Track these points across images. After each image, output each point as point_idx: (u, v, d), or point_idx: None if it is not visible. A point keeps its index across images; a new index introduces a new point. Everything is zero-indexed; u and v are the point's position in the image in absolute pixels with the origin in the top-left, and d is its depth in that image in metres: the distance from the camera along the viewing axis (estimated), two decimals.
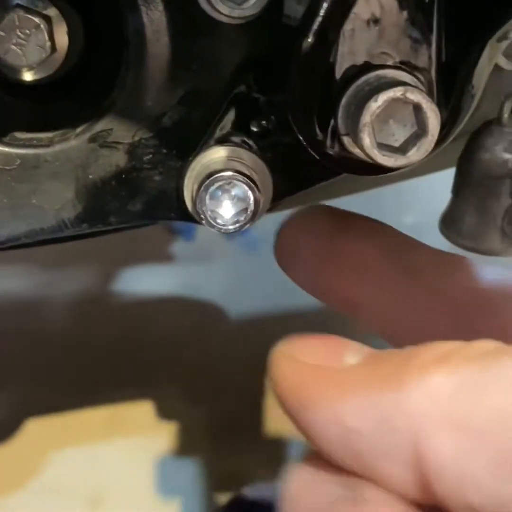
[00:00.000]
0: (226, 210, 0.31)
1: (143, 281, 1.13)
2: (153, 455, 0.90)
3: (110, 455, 0.92)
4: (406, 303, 0.29)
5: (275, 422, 0.94)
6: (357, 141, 0.25)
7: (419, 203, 1.21)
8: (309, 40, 0.24)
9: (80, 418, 0.95)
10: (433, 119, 0.25)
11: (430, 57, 0.26)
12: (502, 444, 0.18)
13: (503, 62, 0.33)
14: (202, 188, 0.31)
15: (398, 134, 0.26)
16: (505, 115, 0.35)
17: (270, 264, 1.25)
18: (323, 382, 0.22)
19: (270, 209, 0.39)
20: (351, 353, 0.22)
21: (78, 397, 0.96)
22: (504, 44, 0.25)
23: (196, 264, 1.16)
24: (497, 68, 0.33)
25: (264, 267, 1.19)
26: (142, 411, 0.95)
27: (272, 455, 0.90)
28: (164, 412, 0.95)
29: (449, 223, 0.39)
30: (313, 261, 0.31)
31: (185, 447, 0.90)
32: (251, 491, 0.62)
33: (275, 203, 0.35)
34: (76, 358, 1.02)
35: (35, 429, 0.94)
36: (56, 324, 1.07)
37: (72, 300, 1.10)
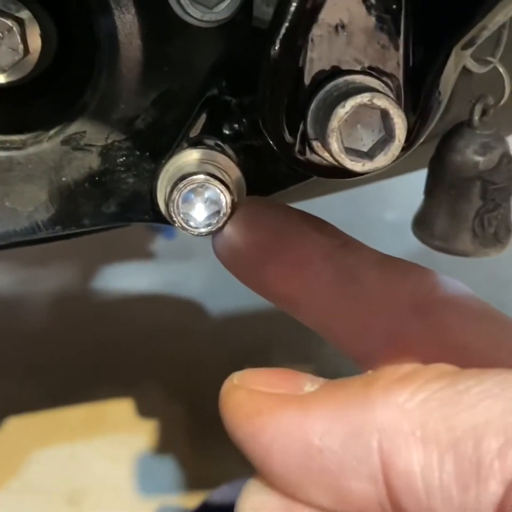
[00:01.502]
0: (198, 213, 0.32)
1: (124, 278, 1.13)
2: (133, 453, 0.90)
3: (90, 453, 0.92)
4: (342, 303, 0.29)
5: None
6: (325, 146, 0.26)
7: (399, 200, 1.22)
8: (276, 47, 0.25)
9: (59, 416, 0.95)
10: (400, 125, 0.25)
11: (398, 63, 0.27)
12: (468, 456, 0.19)
13: (472, 65, 0.33)
14: (175, 190, 0.31)
15: (366, 139, 0.26)
16: (476, 117, 0.36)
17: None
18: (283, 406, 0.21)
19: None
20: (309, 383, 0.22)
21: (58, 395, 0.96)
22: (469, 51, 0.25)
23: (177, 262, 1.16)
24: (467, 71, 0.33)
25: None
26: (122, 409, 0.95)
27: None
28: (144, 410, 0.95)
29: (421, 224, 0.39)
30: (253, 255, 0.31)
31: (165, 445, 0.90)
32: (219, 495, 0.62)
33: None
34: (55, 356, 1.02)
35: (15, 427, 0.93)
36: (36, 321, 1.07)
37: (52, 298, 1.10)
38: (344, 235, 0.31)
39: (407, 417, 0.20)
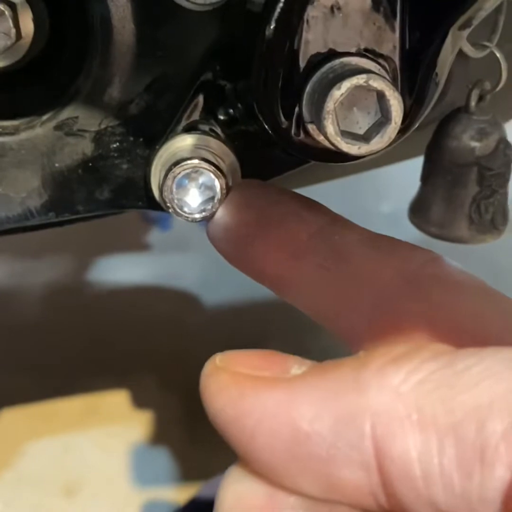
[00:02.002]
0: (192, 199, 0.31)
1: (119, 270, 1.13)
2: (128, 444, 0.90)
3: (85, 444, 0.92)
4: (329, 280, 0.28)
5: None
6: (321, 129, 0.25)
7: (395, 191, 1.21)
8: (272, 27, 0.24)
9: (54, 408, 0.95)
10: (396, 107, 0.25)
11: (394, 45, 0.26)
12: (470, 440, 0.18)
13: (470, 50, 0.33)
14: (169, 176, 0.31)
15: (362, 122, 0.26)
16: (472, 103, 0.36)
17: None
18: (269, 390, 0.20)
19: None
20: (295, 365, 0.21)
21: (52, 387, 0.96)
22: (466, 32, 0.25)
23: (172, 254, 1.15)
24: (464, 56, 0.33)
25: None
26: (116, 400, 0.95)
27: None
28: (139, 402, 0.95)
29: (417, 210, 0.39)
30: (242, 234, 0.30)
31: (160, 436, 0.90)
32: (210, 488, 0.61)
33: None
34: (50, 348, 1.01)
35: (9, 419, 0.93)
36: (31, 314, 1.07)
37: (46, 290, 1.09)
38: (332, 213, 0.30)
39: (402, 400, 0.19)
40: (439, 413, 0.18)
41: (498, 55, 0.34)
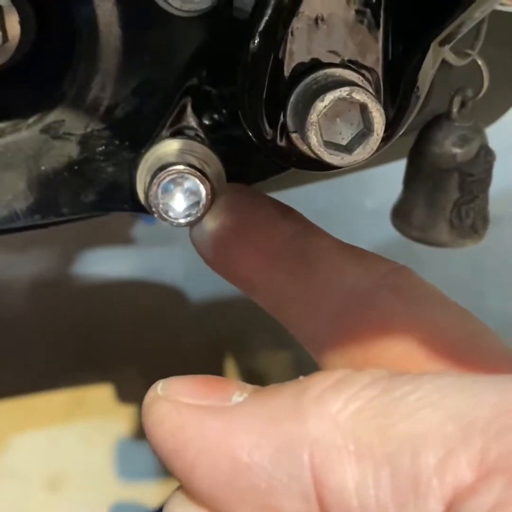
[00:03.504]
0: (178, 203, 0.32)
1: (104, 264, 1.13)
2: (113, 438, 0.91)
3: (70, 438, 0.92)
4: (295, 286, 0.28)
5: None
6: (304, 139, 0.26)
7: (380, 189, 1.22)
8: (256, 41, 0.25)
9: (39, 401, 0.95)
10: (378, 119, 0.25)
11: (377, 57, 0.27)
12: (405, 471, 0.17)
13: (452, 58, 0.33)
14: (154, 181, 0.31)
15: (345, 132, 0.26)
16: (454, 110, 0.36)
17: None
18: (208, 420, 0.20)
19: None
20: (237, 392, 0.21)
21: (37, 380, 0.96)
22: (447, 48, 0.25)
23: (157, 247, 1.16)
24: (446, 64, 0.34)
25: None
26: (102, 394, 0.95)
27: None
28: (124, 395, 0.95)
29: (399, 214, 0.39)
30: (220, 238, 0.31)
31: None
32: None
33: None
34: (35, 341, 1.01)
35: None
36: (15, 307, 1.06)
37: (31, 283, 1.09)
38: (307, 222, 0.30)
39: (340, 429, 0.19)
40: (375, 443, 0.18)
41: (480, 63, 0.34)
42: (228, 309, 1.06)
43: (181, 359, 1.00)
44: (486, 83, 0.35)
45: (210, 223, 0.31)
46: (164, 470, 0.72)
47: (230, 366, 0.98)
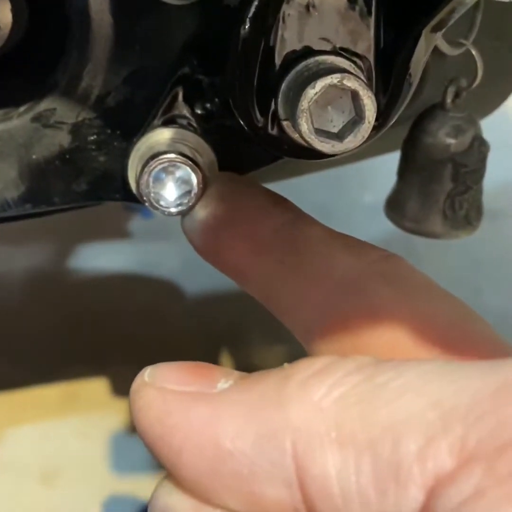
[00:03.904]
0: (169, 192, 0.31)
1: (100, 258, 1.13)
2: (107, 432, 0.90)
3: (64, 431, 0.92)
4: (285, 275, 0.28)
5: None
6: (295, 127, 0.26)
7: (378, 183, 1.22)
8: (246, 26, 0.25)
9: (33, 395, 0.95)
10: (370, 106, 0.25)
11: (369, 44, 0.26)
12: (386, 458, 0.17)
13: (445, 48, 0.33)
14: (146, 169, 0.31)
15: (336, 120, 0.26)
16: (448, 100, 0.36)
17: None
18: (194, 406, 0.20)
19: None
20: (222, 379, 0.21)
21: (31, 374, 0.96)
22: (439, 34, 0.25)
23: (154, 242, 1.15)
24: (440, 53, 0.34)
25: None
26: (96, 388, 0.95)
27: None
28: (119, 389, 0.95)
29: (393, 205, 0.39)
30: (211, 227, 0.30)
31: None
32: None
33: None
34: (30, 335, 1.01)
35: None
36: (11, 300, 1.06)
37: (26, 277, 1.09)
38: (297, 210, 0.30)
39: (322, 416, 0.18)
40: (357, 430, 0.18)
41: (474, 53, 0.34)
42: (223, 303, 1.06)
43: (176, 354, 0.99)
44: (480, 73, 0.35)
45: (201, 212, 0.31)
46: (158, 463, 0.72)
47: (226, 360, 0.98)
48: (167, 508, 0.21)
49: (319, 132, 0.26)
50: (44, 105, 0.32)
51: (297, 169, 0.51)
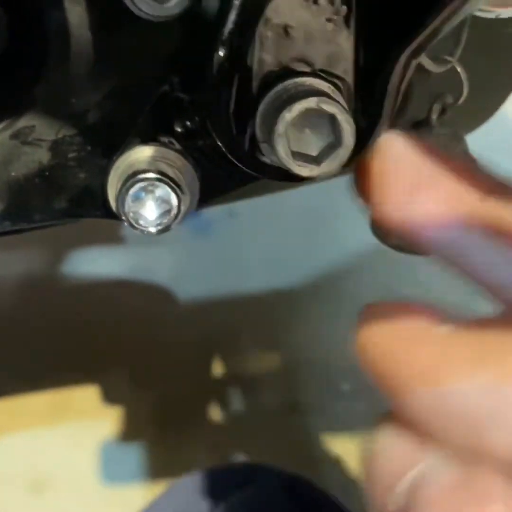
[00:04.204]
0: (149, 212, 0.31)
1: (93, 263, 1.12)
2: (98, 440, 0.90)
3: (54, 440, 0.91)
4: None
5: (221, 407, 0.94)
6: (273, 150, 0.25)
7: None
8: (221, 49, 0.24)
9: (24, 402, 0.94)
10: (348, 130, 0.25)
11: (348, 66, 0.26)
12: None
13: (430, 65, 0.33)
14: (125, 188, 0.30)
15: (315, 143, 0.25)
16: (434, 116, 0.35)
17: (220, 248, 1.26)
18: (418, 347, 0.20)
19: (200, 207, 0.39)
20: (447, 321, 0.20)
21: (21, 382, 0.95)
22: (418, 59, 0.24)
23: (146, 247, 1.15)
24: (425, 71, 0.33)
25: (214, 251, 1.19)
26: (87, 395, 0.95)
27: (218, 442, 0.90)
28: (110, 397, 0.94)
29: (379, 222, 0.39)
30: (405, 191, 0.25)
31: (130, 432, 0.90)
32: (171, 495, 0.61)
33: (203, 203, 0.35)
34: (21, 341, 1.01)
35: None
36: (3, 306, 1.06)
37: (20, 282, 1.09)
38: (500, 178, 0.25)
39: None
40: None
41: (459, 69, 0.34)
42: (216, 309, 1.06)
43: (169, 360, 0.99)
44: (465, 90, 0.34)
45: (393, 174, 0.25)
46: (149, 472, 0.71)
47: (218, 365, 0.98)
48: (386, 448, 0.21)
49: (297, 155, 0.25)
50: (23, 122, 0.32)
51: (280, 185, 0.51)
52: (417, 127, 0.35)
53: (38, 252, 1.12)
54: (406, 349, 0.20)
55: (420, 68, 0.33)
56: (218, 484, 0.58)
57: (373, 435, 0.21)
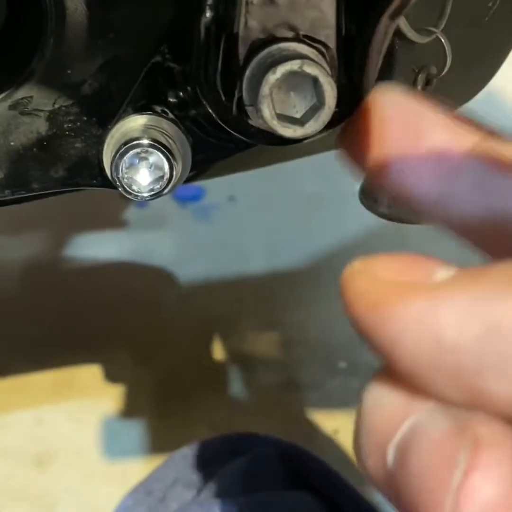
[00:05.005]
0: (142, 178, 0.32)
1: (95, 247, 1.14)
2: (100, 417, 0.92)
3: (57, 416, 0.93)
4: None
5: (221, 385, 0.95)
6: (258, 112, 0.26)
7: None
8: (207, 14, 0.25)
9: (28, 381, 0.96)
10: (329, 92, 0.26)
11: (331, 31, 0.27)
12: None
13: (414, 36, 0.34)
14: (118, 155, 0.32)
15: (299, 106, 0.27)
16: (419, 87, 0.37)
17: (220, 232, 1.27)
18: (412, 296, 0.18)
19: (193, 178, 0.40)
20: (440, 270, 0.19)
21: (26, 361, 0.97)
22: (397, 21, 0.25)
23: (148, 231, 1.16)
24: (409, 41, 0.34)
25: (214, 234, 1.20)
26: (89, 374, 0.96)
27: (217, 419, 0.92)
28: (112, 376, 0.96)
29: (367, 192, 0.40)
30: (388, 150, 0.25)
31: (131, 409, 0.91)
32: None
33: (196, 172, 0.36)
34: (24, 322, 1.02)
35: None
36: (6, 289, 1.07)
37: (23, 266, 1.10)
38: (486, 129, 0.25)
39: None
40: None
41: (443, 40, 0.35)
42: (217, 291, 1.07)
43: (170, 340, 1.01)
44: (449, 61, 0.35)
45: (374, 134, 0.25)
46: (150, 448, 0.73)
47: (218, 347, 0.99)
48: (377, 402, 0.19)
49: (281, 117, 0.26)
50: (22, 93, 0.33)
51: (278, 156, 0.52)
52: None
53: (42, 236, 1.14)
54: (397, 301, 0.18)
55: (405, 38, 0.34)
56: (215, 453, 0.59)
57: (363, 393, 0.20)
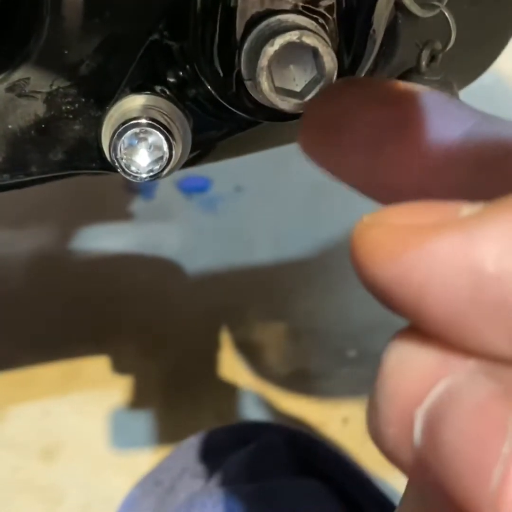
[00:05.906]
0: (141, 158, 0.32)
1: (102, 239, 1.13)
2: (107, 409, 0.91)
3: (64, 408, 0.93)
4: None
5: (229, 376, 0.95)
6: (257, 85, 0.26)
7: None
8: None
9: (36, 373, 0.96)
10: (330, 63, 0.25)
11: (331, 2, 0.27)
12: None
13: (417, 10, 0.33)
14: (116, 135, 0.31)
15: (299, 79, 0.26)
16: (423, 63, 0.36)
17: (227, 222, 1.27)
18: (437, 235, 0.16)
19: (195, 161, 0.40)
20: (465, 208, 0.16)
21: (34, 353, 0.97)
22: None
23: (154, 223, 1.16)
24: (412, 16, 0.33)
25: (221, 225, 1.20)
26: (97, 365, 0.96)
27: (225, 409, 0.91)
28: (119, 367, 0.95)
29: None
30: (375, 139, 0.22)
31: (139, 401, 0.91)
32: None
33: (197, 154, 0.36)
34: (32, 315, 1.02)
35: None
36: (14, 281, 1.07)
37: (30, 258, 1.10)
38: (481, 112, 0.22)
39: None
40: None
41: (447, 14, 0.34)
42: (223, 283, 1.07)
43: (177, 331, 1.00)
44: (453, 36, 0.35)
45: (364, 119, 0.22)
46: (158, 439, 0.72)
47: (226, 337, 0.99)
48: (402, 363, 0.17)
49: (281, 90, 0.26)
50: (18, 75, 0.33)
51: (276, 139, 0.51)
52: (408, 75, 0.36)
53: (46, 228, 1.13)
54: (420, 243, 0.16)
55: (408, 13, 0.33)
56: (222, 443, 0.58)
57: (387, 352, 0.17)
